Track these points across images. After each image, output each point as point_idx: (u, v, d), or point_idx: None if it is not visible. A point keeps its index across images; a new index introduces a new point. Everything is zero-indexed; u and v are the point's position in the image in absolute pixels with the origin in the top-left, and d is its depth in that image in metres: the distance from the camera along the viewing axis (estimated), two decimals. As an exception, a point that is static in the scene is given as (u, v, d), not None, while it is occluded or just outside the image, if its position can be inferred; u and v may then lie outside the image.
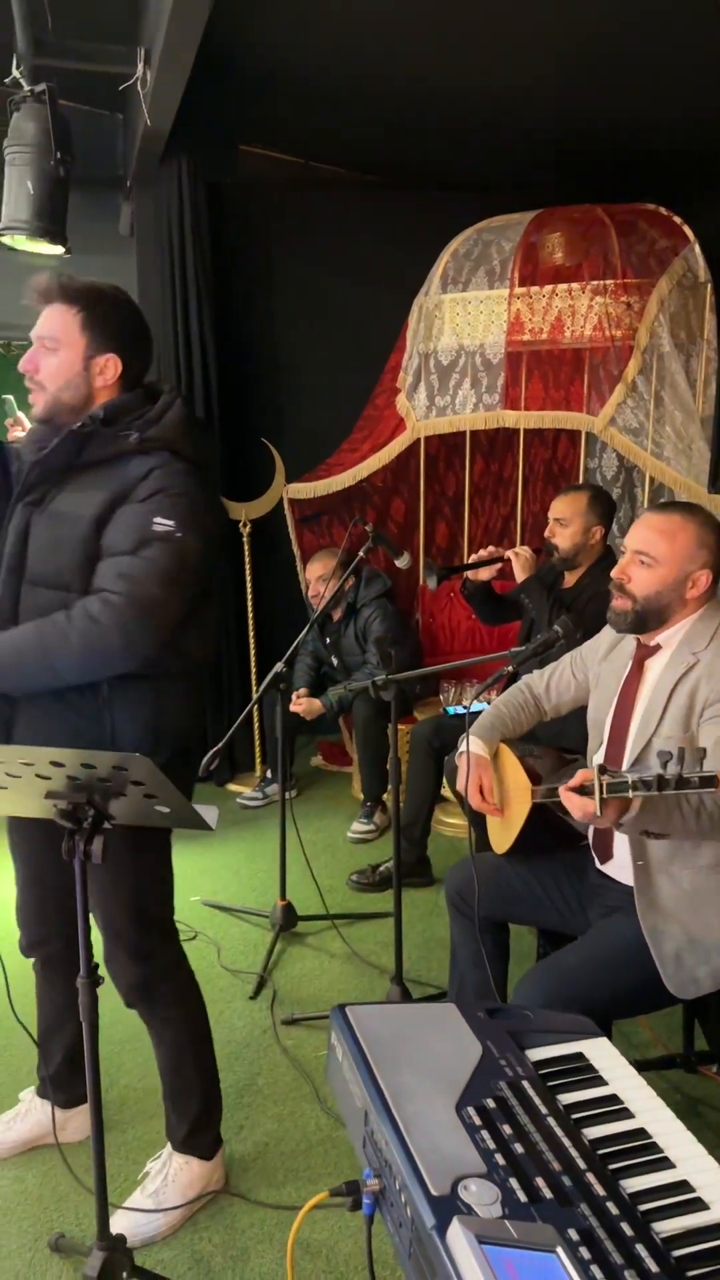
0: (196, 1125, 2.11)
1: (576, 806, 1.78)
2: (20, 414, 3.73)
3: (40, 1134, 2.30)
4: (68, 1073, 2.27)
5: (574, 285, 3.88)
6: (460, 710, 3.52)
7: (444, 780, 3.55)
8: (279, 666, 3.05)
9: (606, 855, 2.18)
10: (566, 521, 3.26)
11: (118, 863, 1.87)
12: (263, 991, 2.94)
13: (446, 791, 3.64)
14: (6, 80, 3.22)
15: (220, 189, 4.42)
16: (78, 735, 1.85)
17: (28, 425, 3.70)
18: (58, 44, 3.17)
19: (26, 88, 3.14)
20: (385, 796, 4.11)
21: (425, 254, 4.32)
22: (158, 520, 1.82)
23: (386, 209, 4.96)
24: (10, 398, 3.74)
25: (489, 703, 2.56)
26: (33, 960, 2.21)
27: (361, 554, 3.34)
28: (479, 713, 2.47)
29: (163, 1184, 2.07)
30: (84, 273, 3.94)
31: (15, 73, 3.15)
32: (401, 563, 3.40)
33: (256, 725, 4.64)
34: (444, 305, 4.12)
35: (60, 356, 1.89)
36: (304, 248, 4.94)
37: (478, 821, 2.50)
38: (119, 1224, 2.00)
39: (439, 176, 4.93)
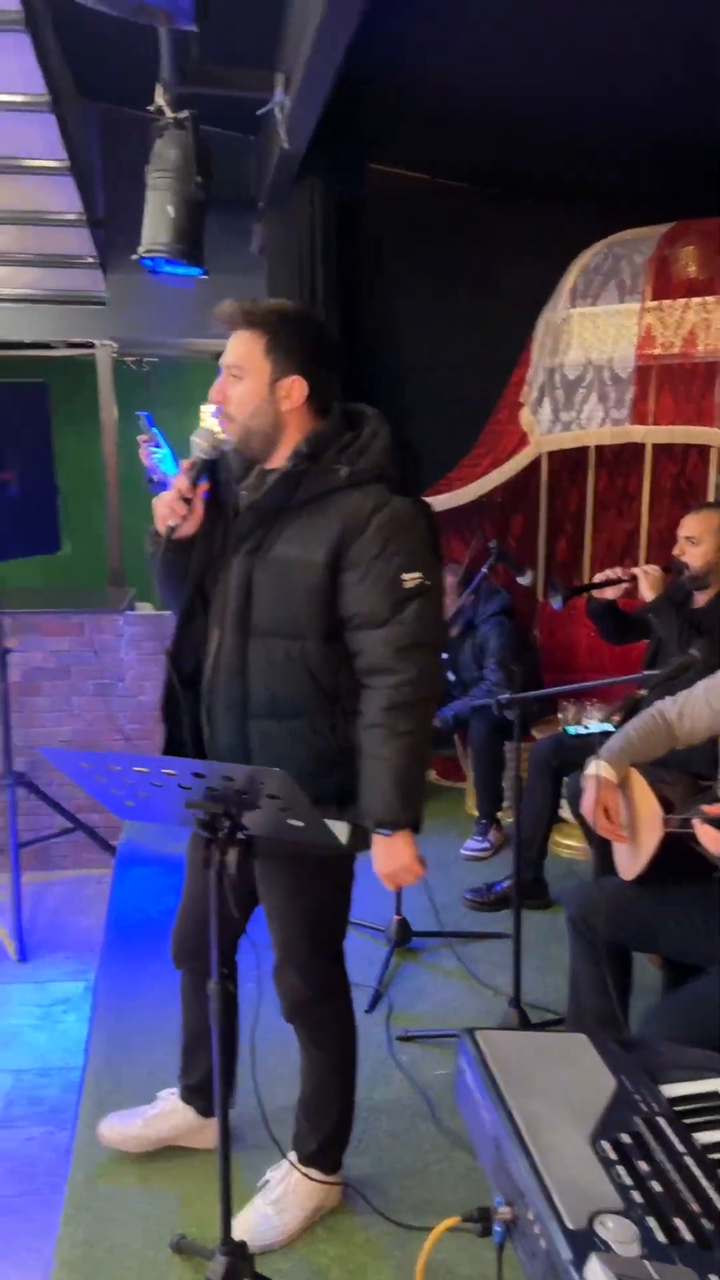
0: (326, 1143, 2.12)
1: (713, 840, 1.74)
2: (155, 430, 3.86)
3: (176, 1136, 2.34)
4: (210, 1083, 2.24)
5: (708, 299, 3.79)
6: (581, 730, 3.46)
7: (563, 801, 3.50)
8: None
9: (740, 886, 2.11)
10: (698, 540, 3.19)
11: (302, 879, 1.91)
12: (378, 1006, 2.95)
13: (565, 812, 3.58)
14: (150, 107, 3.34)
15: (348, 206, 4.48)
16: (301, 765, 1.84)
17: (161, 443, 3.83)
18: (200, 71, 3.26)
19: (170, 115, 3.24)
20: (500, 814, 4.07)
21: (551, 268, 4.29)
22: (405, 576, 1.82)
23: (512, 223, 4.94)
24: (144, 414, 3.87)
25: (612, 723, 2.52)
26: (182, 974, 2.24)
27: (484, 571, 3.33)
28: (601, 733, 2.44)
29: (284, 1193, 2.10)
30: (216, 292, 4.03)
31: (159, 100, 3.25)
32: (525, 580, 3.38)
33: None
34: (572, 319, 4.09)
35: (246, 384, 1.87)
36: (429, 263, 4.96)
37: (601, 845, 2.45)
38: (238, 1229, 2.02)
39: (566, 189, 4.89)
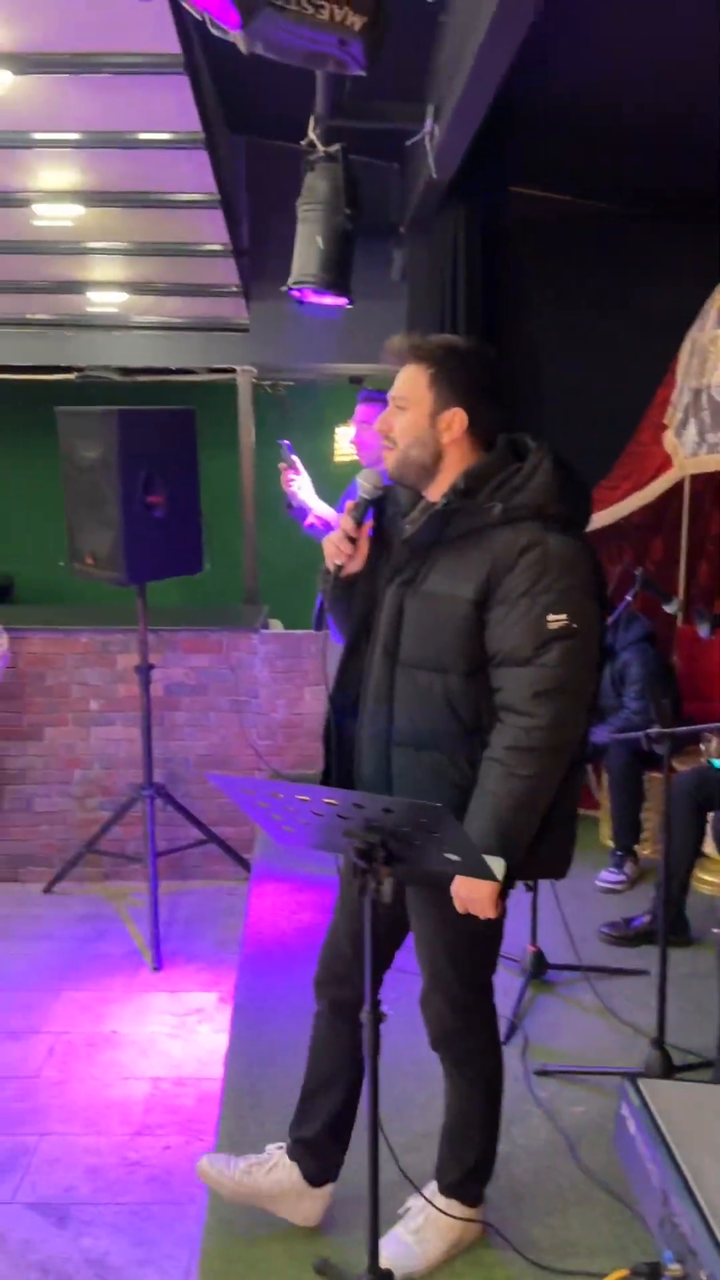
0: (468, 1176, 2.11)
1: None
2: (295, 458, 3.93)
3: (274, 1195, 2.15)
4: (327, 1141, 2.13)
5: None
6: (727, 764, 3.35)
7: (706, 837, 3.40)
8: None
9: None
10: None
11: (455, 910, 1.89)
12: (513, 1038, 2.91)
13: (709, 848, 3.48)
14: (302, 142, 3.42)
15: (490, 229, 4.49)
16: (443, 798, 1.81)
17: (301, 470, 3.90)
18: (353, 105, 3.32)
19: (321, 149, 3.32)
20: (637, 847, 3.98)
21: (697, 288, 4.19)
22: (551, 618, 1.80)
23: (657, 243, 4.86)
24: (285, 443, 3.95)
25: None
26: (317, 1009, 2.18)
27: (628, 599, 3.27)
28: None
29: (424, 1223, 2.08)
30: (354, 318, 4.05)
31: (312, 135, 3.33)
32: (671, 608, 3.31)
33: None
34: (719, 340, 3.99)
35: (409, 415, 1.92)
36: (571, 284, 4.92)
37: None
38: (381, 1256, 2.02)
39: (713, 208, 4.78)
